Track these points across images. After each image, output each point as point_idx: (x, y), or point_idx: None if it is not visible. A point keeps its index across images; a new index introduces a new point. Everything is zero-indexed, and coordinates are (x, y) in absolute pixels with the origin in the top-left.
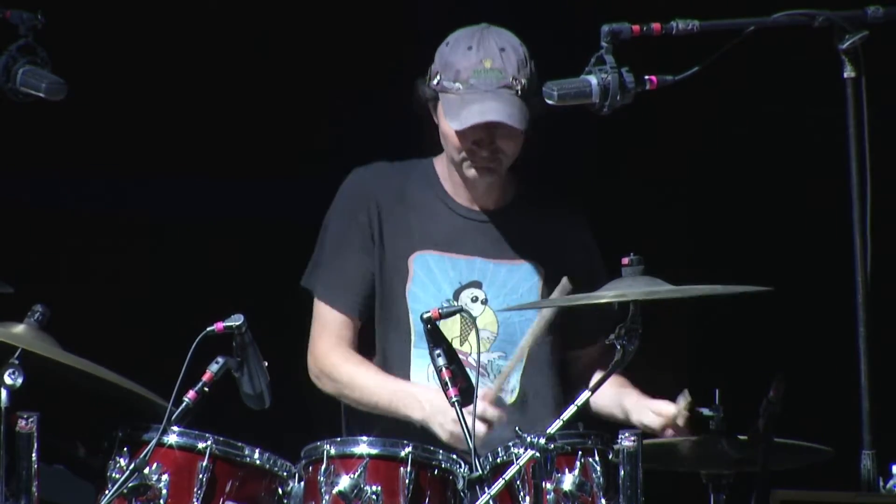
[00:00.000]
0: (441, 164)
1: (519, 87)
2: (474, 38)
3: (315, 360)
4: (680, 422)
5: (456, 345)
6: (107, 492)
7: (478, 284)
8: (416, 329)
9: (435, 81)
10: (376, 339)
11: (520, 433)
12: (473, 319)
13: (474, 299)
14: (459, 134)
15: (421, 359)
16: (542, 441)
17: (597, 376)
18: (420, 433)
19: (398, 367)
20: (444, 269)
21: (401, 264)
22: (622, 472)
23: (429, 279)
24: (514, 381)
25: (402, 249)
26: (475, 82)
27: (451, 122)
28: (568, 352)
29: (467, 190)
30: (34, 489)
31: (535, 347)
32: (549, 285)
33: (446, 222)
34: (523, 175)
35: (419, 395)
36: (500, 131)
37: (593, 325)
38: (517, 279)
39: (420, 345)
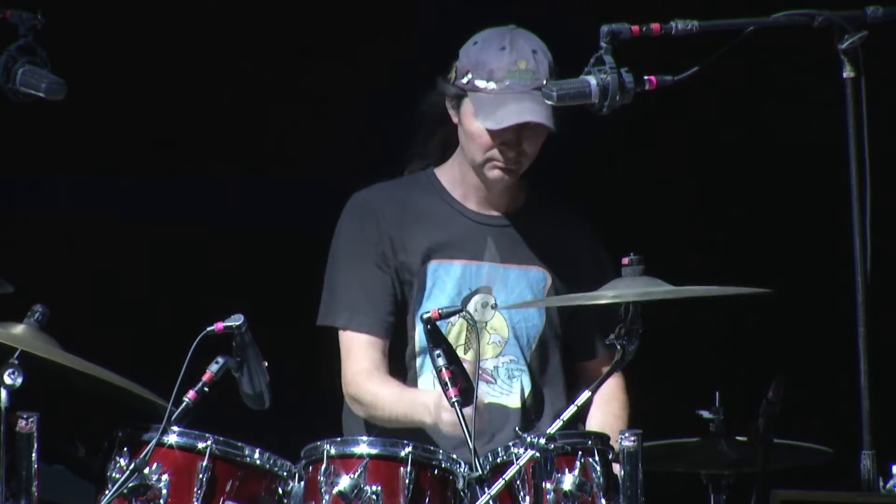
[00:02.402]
0: (445, 173)
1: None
2: (506, 39)
3: (345, 387)
4: None
5: (461, 353)
6: (107, 492)
7: (487, 290)
8: (422, 338)
9: (465, 80)
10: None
11: (520, 433)
12: (475, 322)
13: (485, 304)
14: (490, 133)
15: (428, 368)
16: (542, 441)
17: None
18: (420, 433)
19: (405, 375)
20: (454, 276)
21: (411, 276)
22: (622, 473)
23: (438, 288)
24: (523, 385)
25: (411, 261)
26: (510, 82)
27: (484, 121)
28: (575, 363)
29: (479, 193)
30: (34, 489)
31: (540, 355)
32: (553, 292)
33: (455, 228)
34: (534, 180)
35: (423, 399)
36: (528, 133)
37: (596, 340)
38: (525, 284)
39: (423, 352)
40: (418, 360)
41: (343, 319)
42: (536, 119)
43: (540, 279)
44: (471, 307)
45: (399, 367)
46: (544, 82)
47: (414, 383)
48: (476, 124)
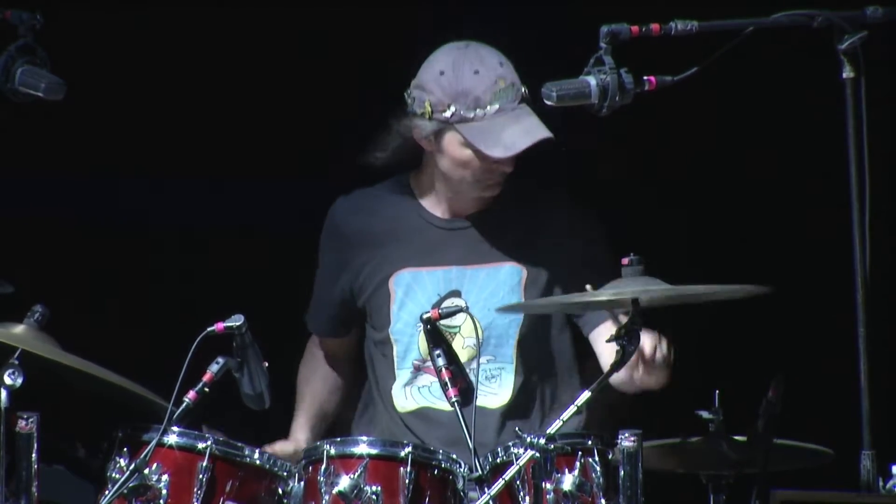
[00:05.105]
0: (417, 180)
1: (526, 96)
2: (474, 61)
3: None
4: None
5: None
6: (107, 492)
7: (457, 293)
8: (398, 350)
9: (448, 113)
10: (366, 359)
11: (519, 433)
12: (474, 322)
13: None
14: (482, 158)
15: (402, 379)
16: (542, 441)
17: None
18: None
19: (383, 384)
20: (423, 283)
21: (382, 288)
22: (622, 473)
23: (408, 297)
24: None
25: (381, 274)
26: (499, 104)
27: (491, 150)
28: (588, 335)
29: (449, 201)
30: (34, 489)
31: (525, 350)
32: (531, 284)
33: (423, 236)
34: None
35: (295, 435)
36: None
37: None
38: (497, 282)
39: (402, 365)
40: (397, 373)
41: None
42: (543, 135)
43: (513, 274)
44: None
45: (380, 375)
46: (522, 92)
47: (389, 387)
48: (466, 152)
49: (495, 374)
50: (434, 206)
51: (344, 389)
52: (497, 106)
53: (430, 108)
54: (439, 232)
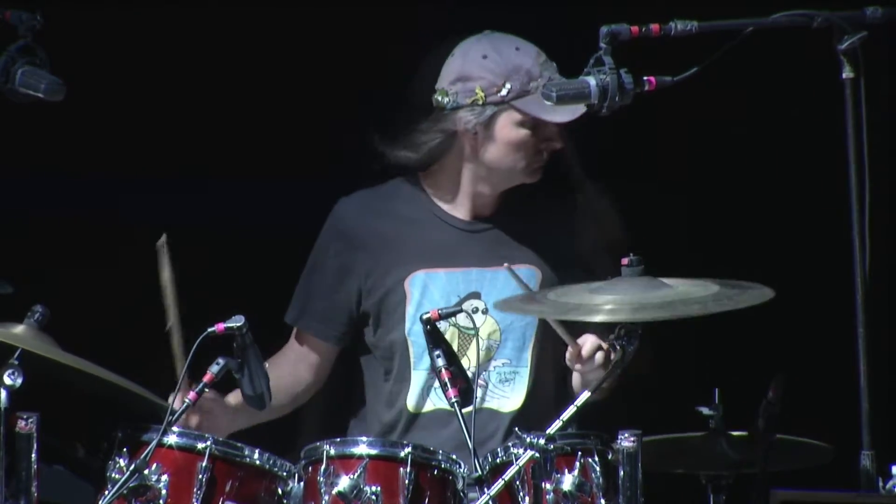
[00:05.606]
0: (432, 180)
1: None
2: (511, 41)
3: None
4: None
5: None
6: (106, 492)
7: (476, 295)
8: (415, 351)
9: (504, 92)
10: (365, 368)
11: (519, 433)
12: (474, 323)
13: (475, 310)
14: (537, 133)
15: (417, 380)
16: (542, 441)
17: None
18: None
19: (399, 388)
20: (441, 285)
21: (396, 290)
22: (621, 473)
23: (426, 298)
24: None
25: (394, 275)
26: (548, 74)
27: (555, 117)
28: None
29: (469, 200)
30: (34, 489)
31: (540, 353)
32: (546, 286)
33: (440, 237)
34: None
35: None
36: None
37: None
38: (514, 284)
39: (419, 366)
40: (413, 374)
41: (289, 316)
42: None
43: (529, 277)
44: (459, 315)
45: (394, 378)
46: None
47: (405, 390)
48: (521, 132)
49: (510, 377)
50: (452, 207)
51: (291, 395)
52: (547, 76)
53: (482, 93)
54: (459, 233)
